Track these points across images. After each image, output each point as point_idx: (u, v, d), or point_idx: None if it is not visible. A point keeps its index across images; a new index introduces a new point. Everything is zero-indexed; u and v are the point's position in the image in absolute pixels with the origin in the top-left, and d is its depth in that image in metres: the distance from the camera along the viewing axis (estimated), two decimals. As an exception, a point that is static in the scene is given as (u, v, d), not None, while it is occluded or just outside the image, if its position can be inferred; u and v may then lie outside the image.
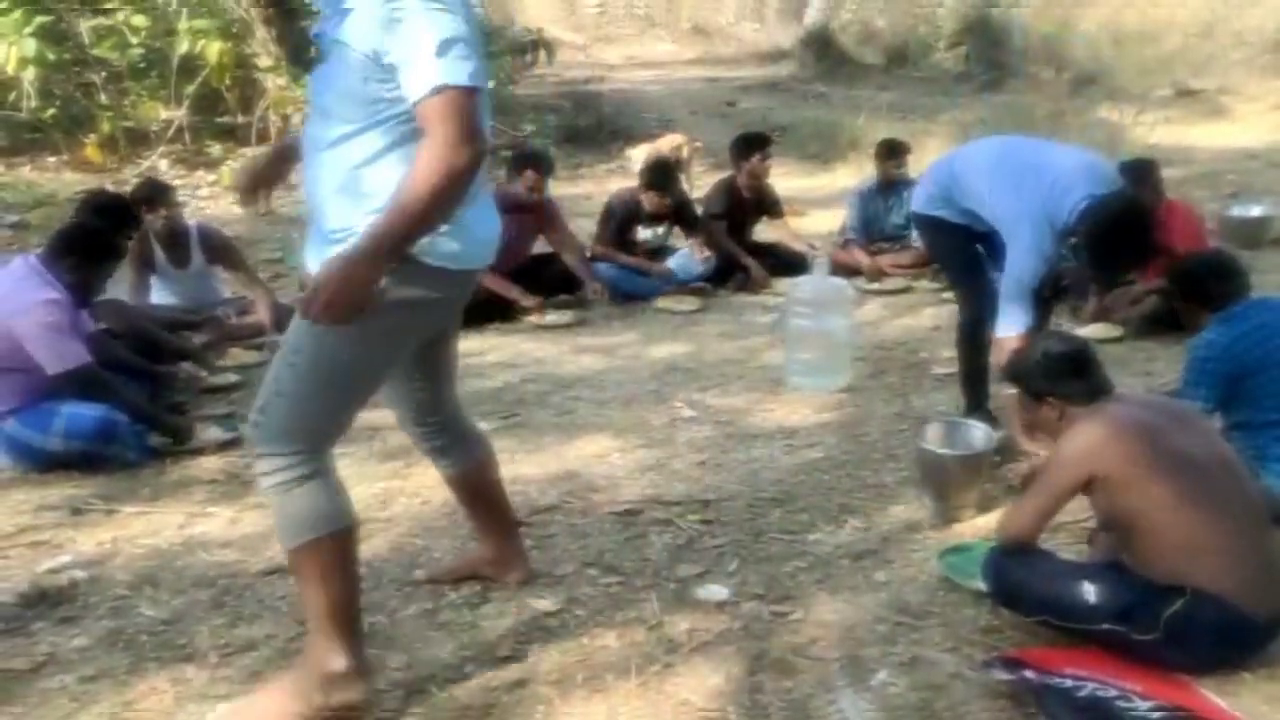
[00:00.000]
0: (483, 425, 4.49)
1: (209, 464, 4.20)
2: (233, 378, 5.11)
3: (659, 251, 6.85)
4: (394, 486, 3.90)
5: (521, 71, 13.76)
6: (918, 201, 4.26)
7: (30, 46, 8.78)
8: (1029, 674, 2.56)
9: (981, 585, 2.96)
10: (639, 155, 9.66)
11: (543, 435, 4.47)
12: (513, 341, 5.88)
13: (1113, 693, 2.51)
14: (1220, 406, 3.51)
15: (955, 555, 3.27)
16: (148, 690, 2.73)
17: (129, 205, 5.25)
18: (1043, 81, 13.15)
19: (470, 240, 2.43)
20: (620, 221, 6.71)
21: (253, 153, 9.33)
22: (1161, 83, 13.27)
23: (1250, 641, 2.64)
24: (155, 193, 5.72)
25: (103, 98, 10.36)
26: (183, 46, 9.75)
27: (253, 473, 2.47)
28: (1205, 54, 14.19)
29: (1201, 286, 3.68)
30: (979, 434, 3.74)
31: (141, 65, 10.52)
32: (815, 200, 9.15)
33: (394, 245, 2.22)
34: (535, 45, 13.08)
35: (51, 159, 10.13)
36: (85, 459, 4.13)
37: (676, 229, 6.93)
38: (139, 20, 9.97)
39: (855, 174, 9.84)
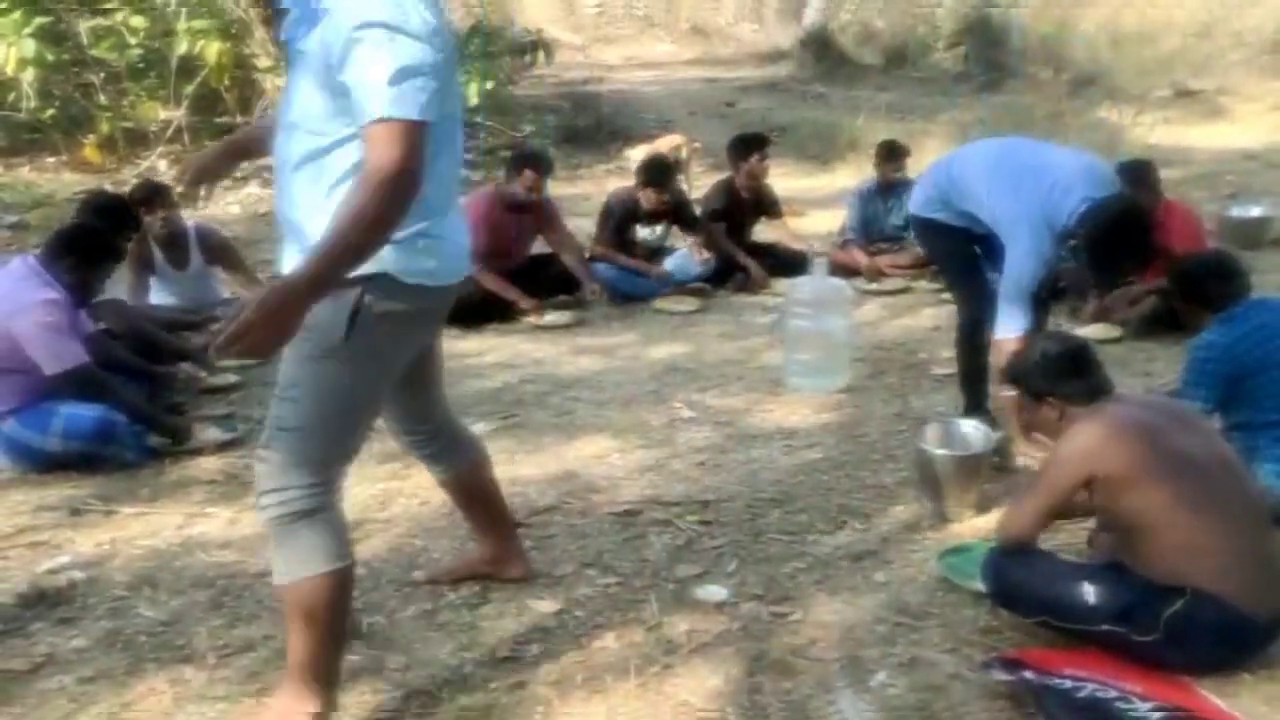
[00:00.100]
0: (481, 426, 4.52)
1: (208, 464, 4.20)
2: (232, 378, 5.10)
3: (658, 252, 6.85)
4: (393, 487, 3.89)
5: (520, 72, 13.75)
6: (915, 204, 4.26)
7: (29, 47, 8.77)
8: (1028, 675, 2.56)
9: (981, 586, 2.96)
10: (638, 155, 9.64)
11: (542, 436, 4.47)
12: (511, 342, 5.88)
13: (1112, 693, 2.51)
14: (1220, 407, 3.51)
15: (954, 556, 3.27)
16: (146, 691, 2.73)
17: (129, 206, 5.25)
18: (1041, 82, 13.15)
19: (447, 255, 2.42)
20: (618, 221, 6.70)
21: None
22: (1160, 83, 13.27)
23: (1250, 642, 2.64)
24: (154, 193, 5.71)
25: (102, 98, 10.36)
26: (181, 47, 9.74)
27: (255, 495, 2.42)
28: (1204, 54, 14.19)
29: (1202, 287, 3.68)
30: (978, 435, 3.74)
31: (140, 66, 10.52)
32: (814, 200, 9.14)
33: (330, 276, 2.13)
34: (534, 46, 13.07)
35: (50, 159, 10.14)
36: (84, 459, 4.13)
37: (675, 229, 6.93)
38: (138, 21, 9.96)
39: (854, 174, 9.83)
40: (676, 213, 6.85)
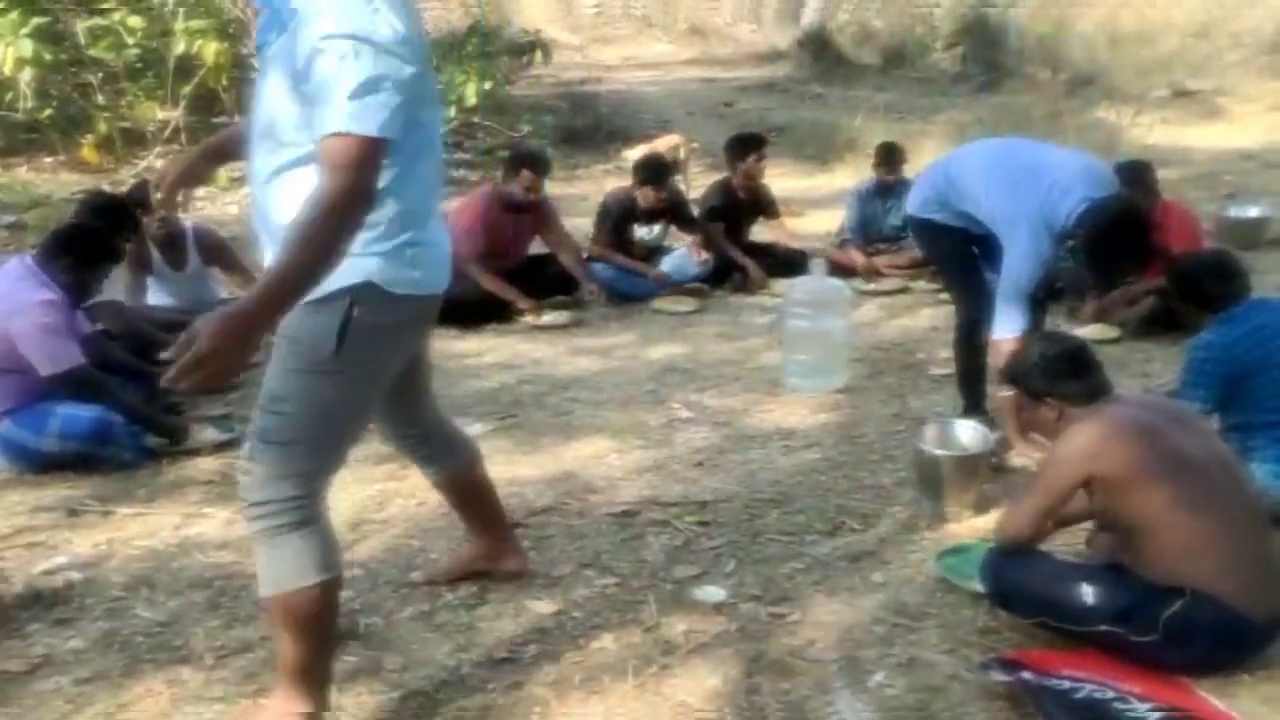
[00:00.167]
0: (479, 426, 4.52)
1: (205, 465, 4.19)
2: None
3: (655, 251, 6.85)
4: (390, 488, 3.89)
5: (518, 72, 13.75)
6: (913, 205, 4.26)
7: (27, 47, 8.77)
8: (1027, 675, 2.56)
9: (979, 586, 2.96)
10: (636, 156, 9.63)
11: (540, 436, 4.46)
12: (509, 342, 5.88)
13: (1110, 694, 2.51)
14: (1219, 407, 3.50)
15: (953, 556, 3.26)
16: (143, 692, 2.73)
17: (128, 207, 5.24)
18: (1039, 82, 13.15)
19: (433, 263, 2.40)
20: (616, 220, 6.70)
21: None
22: (1158, 83, 13.27)
23: (1249, 642, 2.64)
24: (151, 194, 5.70)
25: (99, 98, 10.35)
26: (179, 47, 9.74)
27: (239, 505, 2.40)
28: (1202, 55, 14.19)
29: (1200, 287, 3.68)
30: (976, 435, 3.74)
31: (138, 66, 10.51)
32: (812, 200, 9.14)
33: (282, 300, 2.07)
34: (532, 46, 13.07)
35: (48, 159, 10.13)
36: (81, 460, 4.12)
37: (673, 228, 6.93)
38: (135, 21, 9.96)
39: (852, 175, 9.83)
40: (674, 211, 6.85)
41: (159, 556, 3.47)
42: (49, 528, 3.69)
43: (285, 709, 2.42)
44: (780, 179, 9.30)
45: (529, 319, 6.15)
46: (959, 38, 16.98)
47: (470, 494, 3.07)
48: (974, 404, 4.24)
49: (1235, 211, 7.42)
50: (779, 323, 5.39)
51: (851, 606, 3.08)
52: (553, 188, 7.18)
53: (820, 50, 18.16)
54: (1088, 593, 2.67)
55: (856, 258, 6.92)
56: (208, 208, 8.99)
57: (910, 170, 6.87)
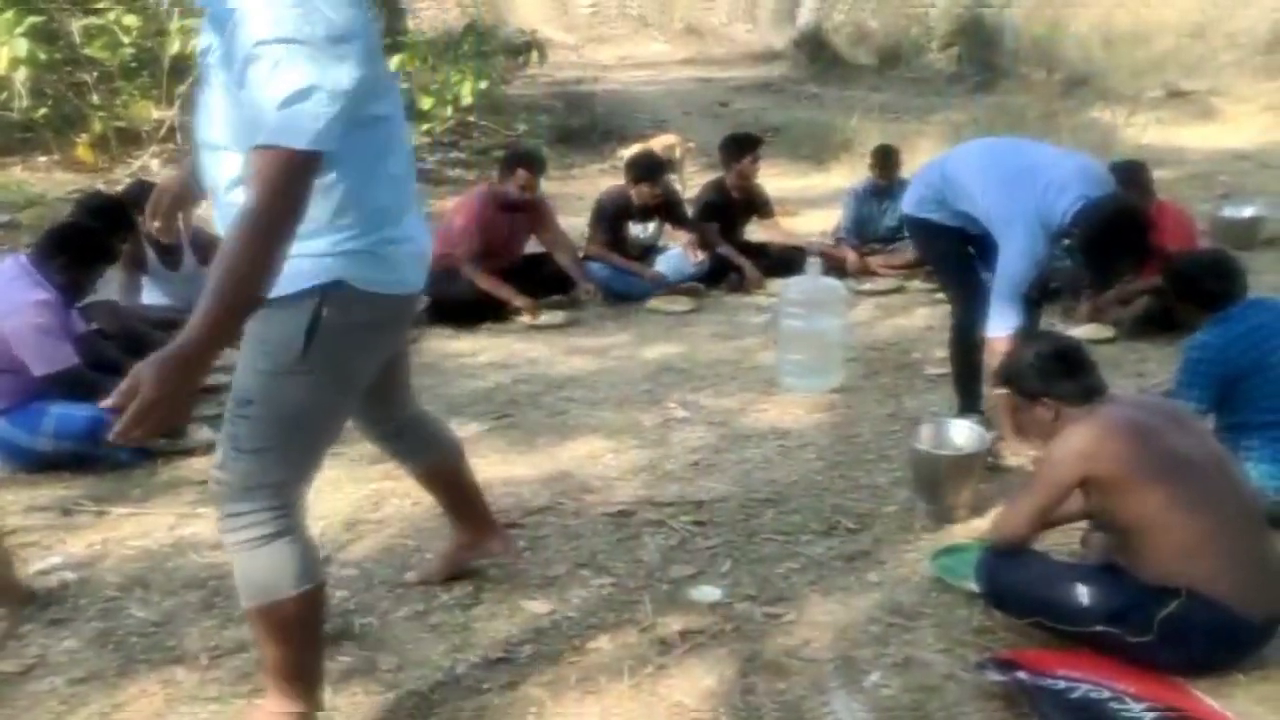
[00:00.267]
0: (475, 426, 4.52)
1: (199, 465, 4.18)
2: (224, 378, 5.03)
3: (650, 250, 6.85)
4: (385, 488, 3.88)
5: (514, 71, 13.75)
6: (909, 204, 4.26)
7: (21, 46, 8.74)
8: (1022, 675, 2.56)
9: (974, 586, 2.96)
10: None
11: (535, 436, 4.46)
12: (505, 342, 5.87)
13: (1106, 694, 2.51)
14: (1214, 408, 3.50)
15: (948, 556, 3.26)
16: (138, 693, 2.72)
17: (124, 208, 5.23)
18: (1034, 82, 13.15)
19: (408, 261, 2.32)
20: (611, 218, 6.70)
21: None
22: (1153, 84, 13.29)
23: (1244, 643, 2.64)
24: (145, 194, 5.68)
25: (94, 97, 10.32)
26: (174, 46, 9.70)
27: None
28: (1196, 55, 14.22)
29: (1197, 286, 3.67)
30: (971, 435, 3.74)
31: (133, 65, 10.48)
32: (808, 200, 9.15)
33: (221, 333, 1.99)
34: (528, 45, 13.06)
35: (43, 159, 10.11)
36: (75, 459, 4.11)
37: (668, 227, 6.93)
38: (130, 20, 9.92)
39: (848, 174, 9.85)
40: (668, 209, 6.85)
41: (153, 556, 3.46)
42: (43, 528, 3.68)
43: (278, 709, 2.41)
44: (776, 179, 9.31)
45: (525, 318, 6.15)
46: (954, 38, 17.01)
47: (451, 486, 3.05)
48: (970, 403, 4.24)
49: (1230, 211, 7.43)
50: (774, 322, 5.39)
51: (847, 606, 3.07)
52: (548, 187, 7.18)
53: (816, 50, 18.19)
54: (1083, 593, 2.67)
55: (849, 256, 6.93)
56: (202, 208, 8.97)
57: (906, 170, 6.88)
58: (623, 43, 22.48)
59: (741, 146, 7.02)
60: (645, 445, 4.33)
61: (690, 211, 7.05)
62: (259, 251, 1.97)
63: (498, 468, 4.10)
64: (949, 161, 4.18)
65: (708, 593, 3.15)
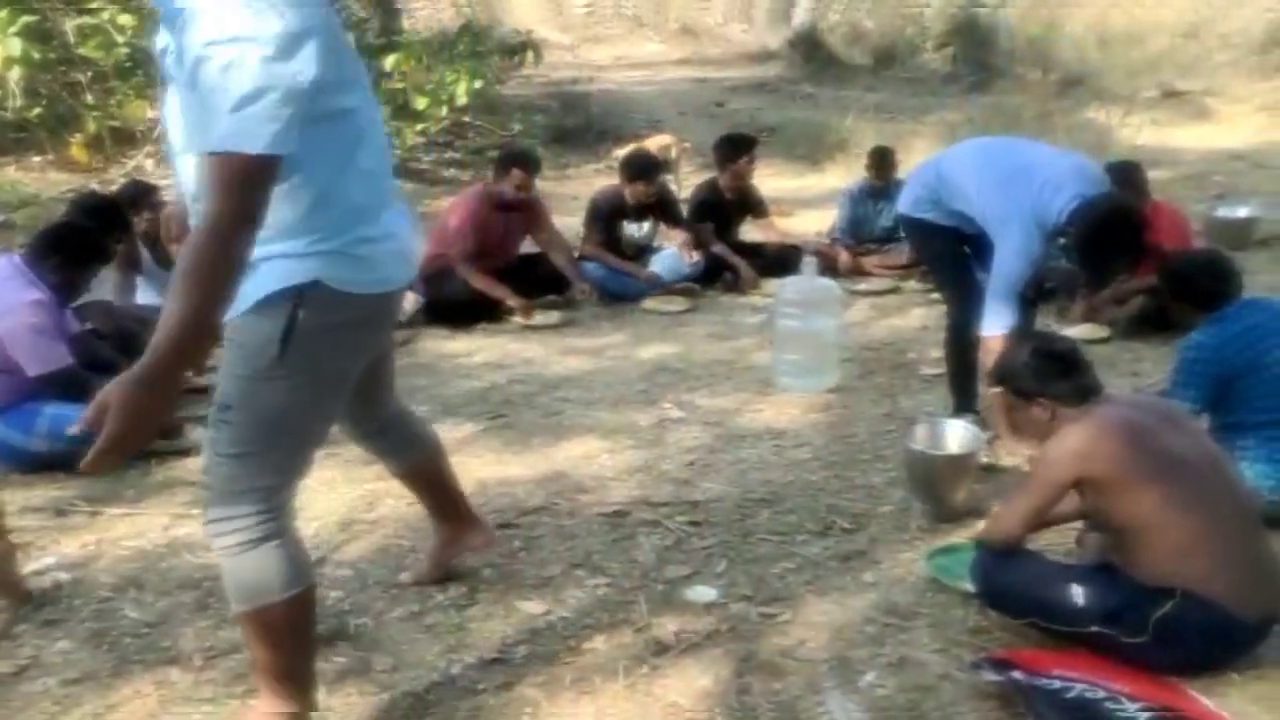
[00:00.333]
0: (470, 426, 4.52)
1: (194, 465, 4.16)
2: (216, 378, 5.07)
3: (644, 250, 6.85)
4: (380, 488, 3.87)
5: (509, 71, 13.74)
6: (904, 203, 4.26)
7: (15, 46, 8.72)
8: (1017, 675, 2.56)
9: (969, 586, 2.96)
10: (626, 155, 9.67)
11: (530, 436, 4.46)
12: (500, 342, 5.87)
13: (1101, 694, 2.51)
14: (1209, 408, 3.50)
15: (943, 556, 3.26)
16: (131, 694, 2.72)
17: (119, 207, 5.22)
18: (1029, 82, 13.18)
19: (387, 258, 2.25)
20: (606, 217, 6.70)
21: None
22: (1148, 84, 13.32)
23: (1239, 643, 2.64)
24: (140, 194, 5.69)
25: (88, 97, 10.30)
26: (169, 46, 9.68)
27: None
28: (1191, 55, 14.25)
29: (1193, 286, 3.67)
30: (967, 435, 3.74)
31: (127, 64, 10.45)
32: (803, 200, 9.16)
33: (182, 353, 1.94)
34: (523, 45, 13.06)
35: (37, 159, 10.08)
36: (69, 460, 4.08)
37: (662, 227, 6.92)
38: (125, 19, 9.90)
39: (843, 175, 9.86)
40: (663, 208, 6.85)
41: (147, 557, 3.46)
42: (37, 528, 3.67)
43: (270, 709, 2.40)
44: (771, 179, 9.32)
45: (519, 318, 6.14)
46: (949, 38, 17.03)
47: (433, 484, 3.03)
48: (965, 403, 4.24)
49: (1224, 212, 7.45)
50: (770, 322, 5.39)
51: (842, 606, 3.07)
52: (543, 187, 7.19)
53: (811, 50, 18.20)
54: (1078, 594, 2.67)
55: (842, 256, 6.94)
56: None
57: (902, 171, 6.89)
58: (618, 43, 22.47)
59: (737, 147, 7.02)
60: (640, 445, 4.33)
61: (685, 212, 7.05)
62: (218, 264, 1.92)
63: (493, 468, 4.10)
64: (944, 161, 4.18)
65: (703, 593, 3.15)
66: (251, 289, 2.10)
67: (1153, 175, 6.23)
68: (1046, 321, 5.27)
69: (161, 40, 2.08)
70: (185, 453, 4.24)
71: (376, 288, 2.24)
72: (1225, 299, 3.60)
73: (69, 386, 4.11)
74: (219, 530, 2.26)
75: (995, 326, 3.79)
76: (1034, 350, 2.94)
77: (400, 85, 10.44)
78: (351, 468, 3.99)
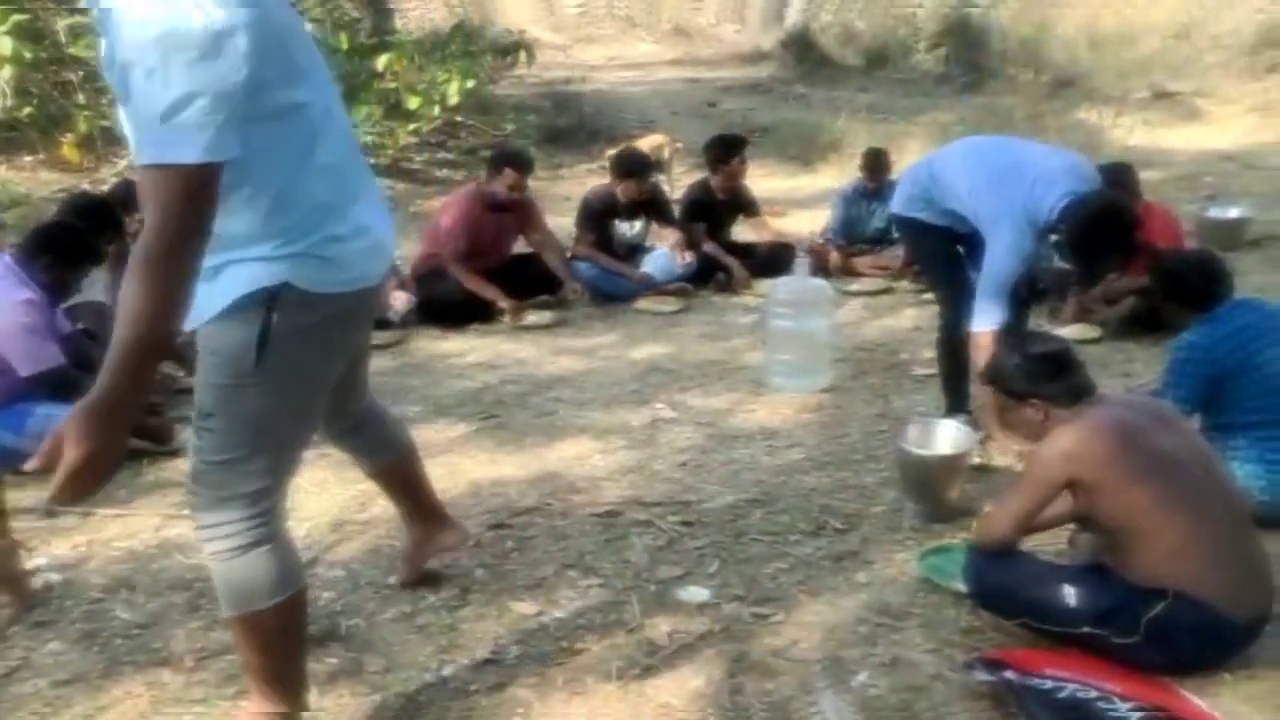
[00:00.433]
0: (462, 427, 4.52)
1: (185, 466, 4.13)
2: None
3: (636, 249, 6.84)
4: (372, 489, 3.82)
5: (502, 71, 13.73)
6: (898, 203, 4.27)
7: (6, 45, 8.70)
8: (1010, 675, 2.56)
9: (962, 586, 2.96)
10: (619, 156, 9.66)
11: (523, 436, 4.45)
12: (492, 342, 5.86)
13: (1093, 694, 2.51)
14: (1201, 408, 3.51)
15: (936, 556, 3.27)
16: (122, 695, 2.71)
17: (110, 208, 5.20)
18: (1021, 83, 13.21)
19: (359, 254, 2.18)
20: (598, 216, 6.70)
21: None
22: (1139, 85, 13.33)
23: (1231, 643, 2.65)
24: (132, 194, 5.65)
25: (80, 97, 10.26)
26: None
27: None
28: (1182, 57, 14.26)
29: (1185, 286, 3.68)
30: (959, 435, 3.74)
31: (119, 64, 10.43)
32: (796, 201, 9.16)
33: (142, 369, 1.89)
34: (516, 46, 13.06)
35: (28, 158, 10.05)
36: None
37: (654, 226, 6.92)
38: (117, 18, 9.88)
39: (836, 175, 9.87)
40: (654, 207, 6.85)
41: (139, 558, 3.45)
42: (28, 529, 3.66)
43: (261, 710, 2.40)
44: (764, 179, 9.32)
45: (508, 319, 6.13)
46: (941, 39, 17.04)
47: (406, 484, 3.00)
48: (957, 404, 4.25)
49: (1215, 212, 7.46)
50: (762, 323, 5.39)
51: (835, 606, 3.07)
52: (536, 187, 7.18)
53: (804, 51, 18.20)
54: (1070, 594, 2.68)
55: (832, 256, 6.94)
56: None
57: (894, 172, 6.89)
58: (610, 43, 22.47)
59: (729, 149, 7.01)
60: (633, 446, 4.33)
61: (676, 212, 7.05)
62: (163, 282, 1.85)
63: (485, 468, 4.10)
64: (937, 160, 4.19)
65: (695, 593, 3.15)
66: (218, 295, 2.06)
67: (1144, 176, 6.23)
68: (1038, 322, 5.28)
69: (103, 44, 1.94)
70: (176, 453, 4.22)
71: (350, 286, 2.17)
72: (1217, 299, 3.61)
73: (60, 386, 4.10)
74: (209, 536, 2.24)
75: (985, 323, 3.80)
76: (1026, 352, 2.94)
77: (392, 85, 10.43)
78: (343, 469, 3.98)
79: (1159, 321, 4.47)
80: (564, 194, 9.50)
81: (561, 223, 7.31)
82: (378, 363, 5.37)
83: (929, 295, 5.25)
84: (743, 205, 7.20)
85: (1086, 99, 12.47)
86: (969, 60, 15.88)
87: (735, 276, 6.76)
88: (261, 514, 2.23)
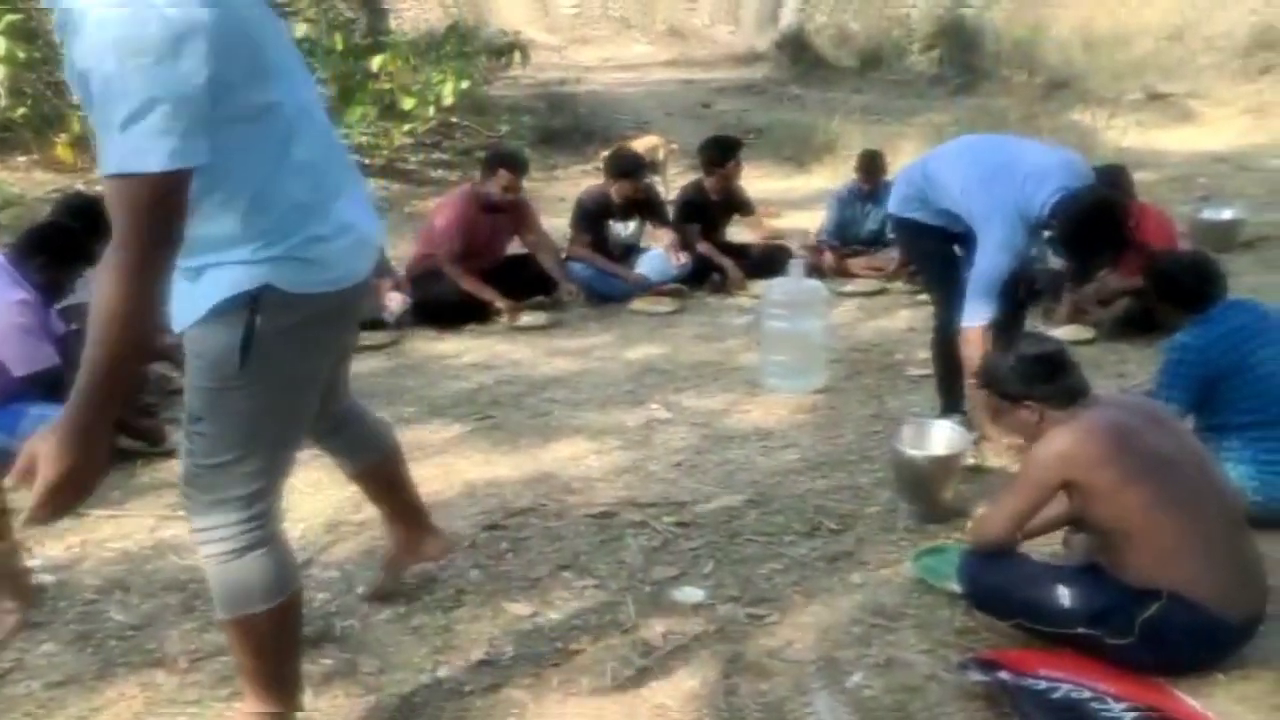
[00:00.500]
0: (457, 427, 4.51)
1: (179, 467, 4.14)
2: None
3: (631, 250, 6.85)
4: (367, 489, 3.86)
5: (496, 72, 13.73)
6: (893, 203, 4.28)
7: (0, 45, 8.68)
8: (1004, 675, 2.56)
9: (956, 587, 2.96)
10: (614, 157, 9.65)
11: (518, 437, 4.45)
12: (488, 343, 5.86)
13: (1087, 694, 2.51)
14: (1194, 409, 3.51)
15: (930, 557, 3.27)
16: (116, 696, 2.71)
17: (104, 208, 5.19)
18: (1015, 85, 13.23)
19: (342, 253, 2.13)
20: (592, 217, 6.70)
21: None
22: (1132, 87, 13.37)
23: (1225, 643, 2.65)
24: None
25: (74, 97, 10.25)
26: (154, 45, 9.64)
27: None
28: (1175, 58, 14.30)
29: (1179, 286, 3.68)
30: (953, 435, 3.74)
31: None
32: (791, 202, 9.17)
33: (114, 385, 1.87)
34: (511, 46, 13.05)
35: (21, 159, 10.02)
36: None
37: (648, 227, 6.92)
38: (110, 18, 9.86)
39: (830, 176, 9.88)
40: (649, 207, 6.85)
41: (133, 559, 3.44)
42: (21, 530, 3.64)
43: (255, 710, 2.39)
44: (758, 180, 9.33)
45: (504, 319, 6.13)
46: (936, 40, 17.07)
47: (388, 486, 2.95)
48: (952, 404, 4.25)
49: (1209, 214, 7.47)
50: (757, 323, 5.40)
51: (829, 607, 3.08)
52: (531, 188, 7.18)
53: (798, 52, 18.23)
54: (1064, 595, 2.68)
55: (826, 257, 6.95)
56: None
57: (889, 173, 6.90)
58: (605, 44, 22.47)
59: (725, 151, 7.03)
60: (628, 446, 4.33)
61: (671, 213, 7.05)
62: (132, 294, 1.81)
63: (480, 469, 4.10)
64: (931, 160, 4.20)
65: (690, 594, 3.15)
66: (200, 298, 2.04)
67: (1138, 177, 6.26)
68: (1032, 323, 5.28)
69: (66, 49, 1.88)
70: (170, 454, 4.21)
71: (334, 285, 2.13)
72: (1210, 300, 3.61)
73: (55, 387, 4.08)
74: (204, 539, 2.22)
75: (975, 319, 3.81)
76: (1020, 354, 2.94)
77: (387, 85, 10.41)
78: (338, 470, 3.97)
79: (1153, 323, 4.48)
80: (559, 195, 9.51)
81: (556, 224, 7.31)
82: (373, 363, 5.38)
83: (923, 296, 5.25)
84: (737, 206, 7.20)
85: (1080, 100, 12.50)
86: (963, 62, 15.92)
87: (730, 277, 6.76)
88: (257, 516, 2.22)
